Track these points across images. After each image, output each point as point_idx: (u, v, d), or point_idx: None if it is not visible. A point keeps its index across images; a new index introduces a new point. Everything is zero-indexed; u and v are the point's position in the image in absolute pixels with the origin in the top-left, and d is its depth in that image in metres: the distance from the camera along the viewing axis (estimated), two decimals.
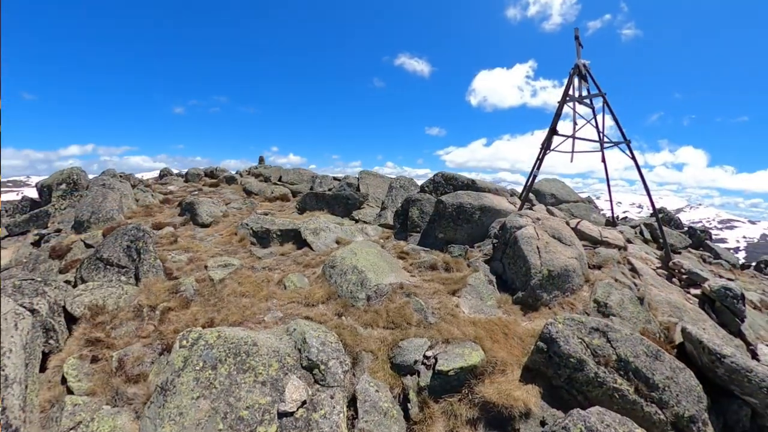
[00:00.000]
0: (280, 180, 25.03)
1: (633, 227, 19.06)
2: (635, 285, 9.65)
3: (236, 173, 29.06)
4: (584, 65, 11.54)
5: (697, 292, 10.10)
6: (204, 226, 14.84)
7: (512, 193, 16.58)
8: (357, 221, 15.14)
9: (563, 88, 12.26)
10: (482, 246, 11.15)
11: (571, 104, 12.22)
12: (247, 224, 12.57)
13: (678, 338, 7.54)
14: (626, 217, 25.48)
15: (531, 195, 18.53)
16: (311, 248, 11.05)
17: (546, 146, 11.54)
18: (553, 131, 11.45)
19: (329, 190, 21.13)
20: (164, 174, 31.61)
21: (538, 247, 8.97)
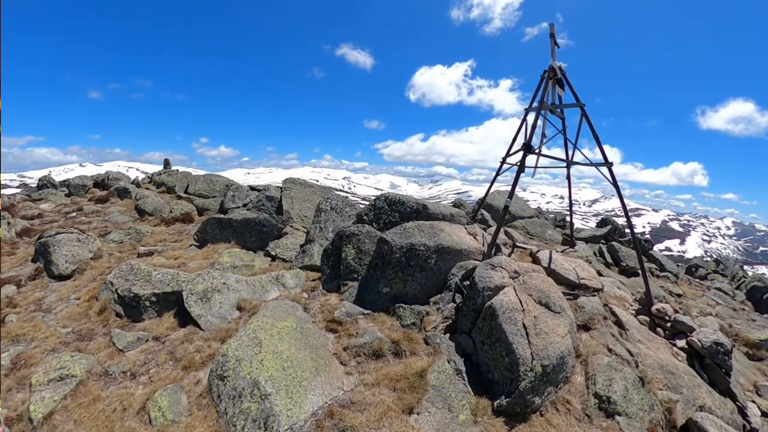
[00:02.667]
0: (186, 191, 20.51)
1: (586, 240, 17.65)
2: (632, 357, 7.77)
3: (133, 182, 23.77)
4: (560, 68, 9.14)
5: (683, 344, 8.86)
6: (62, 278, 10.45)
7: (467, 217, 14.08)
8: (274, 258, 11.62)
9: (533, 94, 9.83)
10: (440, 303, 8.39)
11: (540, 112, 9.87)
12: (112, 284, 8.63)
13: (680, 420, 6.62)
14: (564, 219, 24.35)
15: (484, 212, 16.31)
16: (199, 326, 7.52)
17: (520, 166, 8.97)
18: (528, 147, 8.95)
19: (245, 205, 17.21)
20: (43, 185, 25.01)
21: (524, 326, 6.35)
